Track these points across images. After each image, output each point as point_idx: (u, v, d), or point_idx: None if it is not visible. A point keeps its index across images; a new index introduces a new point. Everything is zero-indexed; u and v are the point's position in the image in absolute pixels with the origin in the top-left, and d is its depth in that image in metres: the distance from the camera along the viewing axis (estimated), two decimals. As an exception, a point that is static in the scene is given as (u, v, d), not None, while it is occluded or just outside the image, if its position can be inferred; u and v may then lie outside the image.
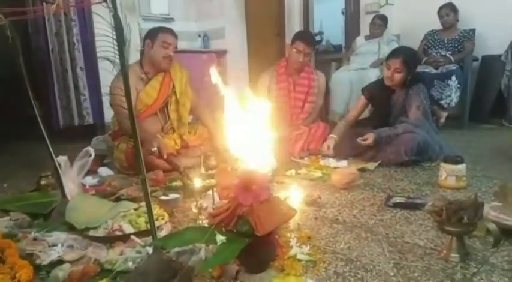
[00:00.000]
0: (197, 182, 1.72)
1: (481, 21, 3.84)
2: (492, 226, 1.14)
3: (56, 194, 1.75)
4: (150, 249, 1.20)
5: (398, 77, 2.46)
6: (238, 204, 1.08)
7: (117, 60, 3.35)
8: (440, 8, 3.83)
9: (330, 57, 5.73)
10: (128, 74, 0.96)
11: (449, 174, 1.91)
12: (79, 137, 3.42)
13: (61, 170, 1.66)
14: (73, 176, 1.71)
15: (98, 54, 3.68)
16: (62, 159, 1.70)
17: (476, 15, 3.87)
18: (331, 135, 2.64)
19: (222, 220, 1.10)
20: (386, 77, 2.50)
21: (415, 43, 4.03)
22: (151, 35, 2.43)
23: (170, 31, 2.46)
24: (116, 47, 3.41)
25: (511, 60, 3.55)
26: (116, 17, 0.95)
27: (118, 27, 0.98)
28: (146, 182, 1.11)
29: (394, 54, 2.53)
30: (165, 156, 2.15)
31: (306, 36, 2.78)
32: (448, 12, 3.79)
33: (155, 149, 2.13)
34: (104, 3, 1.02)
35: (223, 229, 1.10)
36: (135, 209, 1.58)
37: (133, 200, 1.70)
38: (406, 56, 2.45)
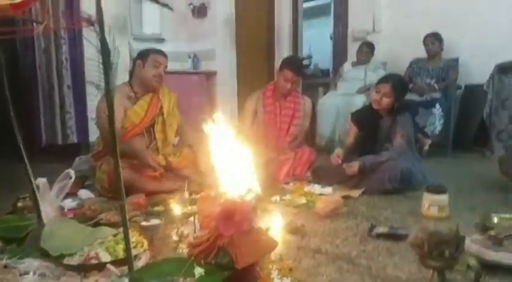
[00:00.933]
0: (177, 209, 1.69)
1: (465, 51, 3.96)
2: (473, 262, 1.14)
3: (33, 217, 1.70)
4: (126, 280, 1.16)
5: (386, 101, 2.51)
6: (219, 234, 1.06)
7: (102, 85, 3.34)
8: (426, 36, 3.94)
9: (317, 81, 5.82)
10: (113, 99, 0.95)
11: (431, 204, 1.92)
12: (62, 156, 3.36)
13: (39, 193, 1.61)
14: (51, 199, 1.67)
15: (87, 78, 3.66)
16: (40, 181, 1.65)
17: (460, 45, 4.00)
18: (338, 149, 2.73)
19: (202, 251, 1.08)
20: (374, 100, 2.56)
21: (400, 70, 4.12)
22: (142, 56, 2.50)
23: (161, 52, 2.55)
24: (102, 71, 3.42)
25: (492, 90, 3.64)
26: (102, 40, 0.94)
27: (104, 51, 0.97)
28: (125, 209, 1.08)
29: (384, 79, 2.61)
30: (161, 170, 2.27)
31: (294, 65, 2.81)
32: (433, 41, 3.89)
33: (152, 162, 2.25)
34: (92, 26, 1.02)
35: (203, 261, 1.07)
36: (114, 235, 1.54)
37: (113, 225, 1.66)
38: (395, 82, 2.53)
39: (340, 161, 2.56)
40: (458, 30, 4.00)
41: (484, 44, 3.86)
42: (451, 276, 1.28)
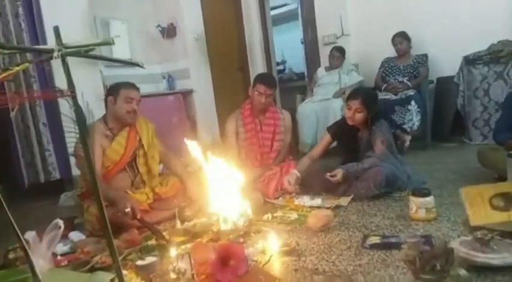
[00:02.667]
0: (173, 251, 1.68)
1: (432, 46, 4.08)
2: (463, 272, 1.18)
3: (27, 269, 1.67)
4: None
5: (359, 116, 2.57)
6: (216, 281, 1.07)
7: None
8: (394, 36, 4.04)
9: (294, 85, 5.89)
10: (94, 165, 0.96)
11: (419, 207, 1.97)
12: (46, 194, 3.31)
13: (29, 247, 1.59)
14: (43, 252, 1.64)
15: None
16: (29, 235, 1.63)
17: (428, 41, 4.11)
18: (293, 171, 2.67)
19: (202, 297, 1.09)
20: (348, 117, 2.61)
21: (373, 71, 4.22)
22: (113, 92, 2.42)
23: (132, 85, 2.45)
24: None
25: (463, 81, 3.76)
26: (77, 111, 0.95)
27: (80, 120, 0.97)
28: (119, 265, 1.09)
29: (353, 95, 2.63)
30: (138, 217, 2.11)
31: (266, 78, 2.85)
32: (401, 41, 3.99)
33: (128, 209, 2.08)
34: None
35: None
36: (111, 280, 1.53)
37: (108, 268, 1.65)
38: (364, 97, 2.56)
39: (292, 188, 2.58)
40: (424, 27, 4.12)
41: (450, 38, 3.99)
42: (445, 283, 1.33)
